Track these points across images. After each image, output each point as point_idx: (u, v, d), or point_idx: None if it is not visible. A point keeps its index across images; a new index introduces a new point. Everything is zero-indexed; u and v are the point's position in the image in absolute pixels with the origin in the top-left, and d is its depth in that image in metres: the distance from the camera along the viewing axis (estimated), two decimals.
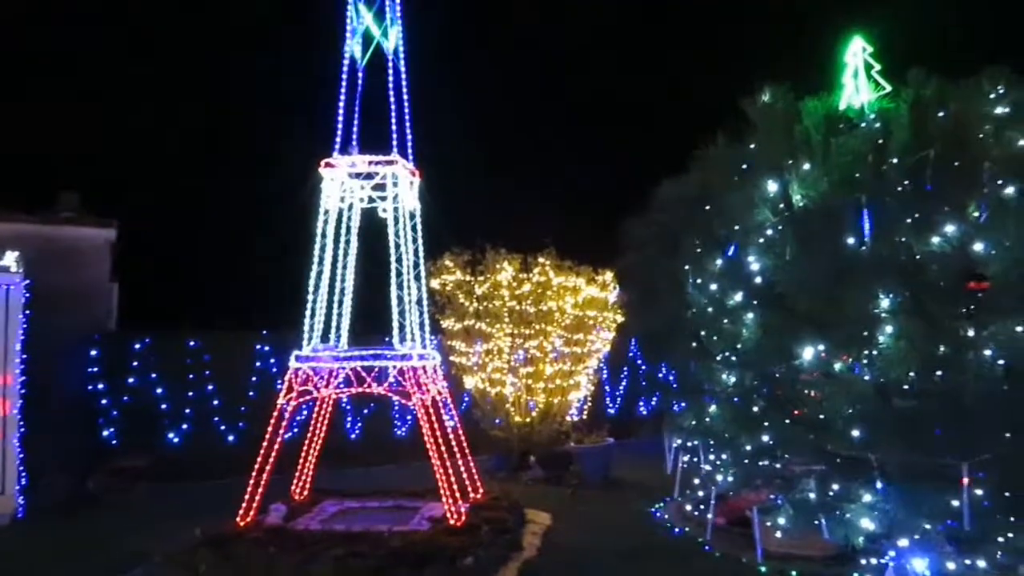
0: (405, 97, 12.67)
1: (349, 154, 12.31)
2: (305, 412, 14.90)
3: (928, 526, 6.10)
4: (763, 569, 9.63)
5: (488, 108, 28.18)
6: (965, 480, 5.73)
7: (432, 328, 17.18)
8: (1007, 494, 5.84)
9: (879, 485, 6.02)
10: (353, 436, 19.29)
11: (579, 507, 13.93)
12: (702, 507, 10.65)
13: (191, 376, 17.56)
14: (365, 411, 19.43)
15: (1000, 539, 6.00)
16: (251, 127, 25.57)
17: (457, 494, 11.64)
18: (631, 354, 23.10)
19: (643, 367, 22.53)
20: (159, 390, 17.24)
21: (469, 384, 18.14)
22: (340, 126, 12.24)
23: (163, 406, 17.22)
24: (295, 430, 15.45)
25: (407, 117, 12.69)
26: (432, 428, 11.79)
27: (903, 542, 6.23)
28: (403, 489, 13.84)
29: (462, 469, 13.15)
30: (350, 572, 9.73)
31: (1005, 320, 5.72)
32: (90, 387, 16.71)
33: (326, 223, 12.35)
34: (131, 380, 17.01)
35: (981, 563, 6.16)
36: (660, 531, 11.89)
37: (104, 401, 16.79)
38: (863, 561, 7.42)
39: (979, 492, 5.84)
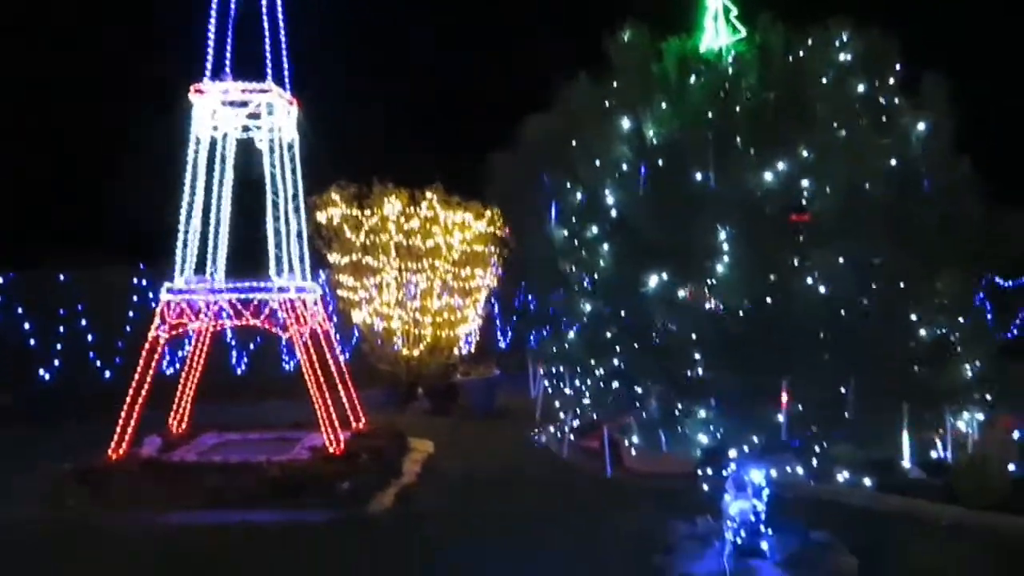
0: (281, 21, 12.25)
1: (222, 80, 11.87)
2: (188, 346, 14.60)
3: (755, 439, 6.71)
4: (628, 487, 10.33)
5: (371, 37, 27.36)
6: (784, 396, 6.31)
7: (319, 263, 17.08)
8: (821, 409, 6.48)
9: (712, 403, 6.55)
10: (239, 371, 19.09)
11: (462, 436, 14.35)
12: (575, 434, 11.20)
13: (62, 312, 16.86)
14: (251, 346, 19.21)
15: (816, 448, 6.69)
16: (121, 47, 24.02)
17: (337, 425, 11.80)
18: (522, 289, 23.57)
19: (532, 301, 23.01)
20: (26, 326, 16.49)
21: (357, 318, 18.16)
22: (211, 50, 11.74)
23: (31, 342, 16.51)
24: (176, 366, 15.18)
25: (283, 43, 12.30)
26: (311, 361, 11.84)
27: (733, 453, 6.85)
28: (286, 422, 13.87)
29: (344, 401, 13.28)
30: (225, 501, 9.82)
31: (825, 251, 6.25)
32: None
33: (197, 152, 11.95)
34: None
35: (800, 470, 6.87)
36: (536, 456, 12.47)
37: None
38: (710, 474, 8.04)
39: (799, 408, 6.46)
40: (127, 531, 9.03)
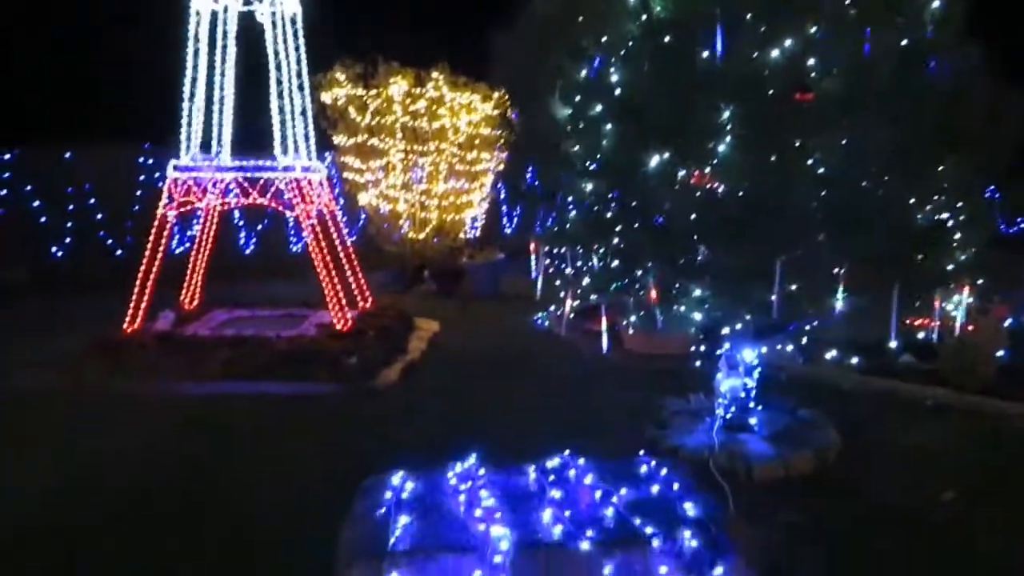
0: None
1: None
2: (196, 226, 14.75)
3: (749, 318, 6.90)
4: (625, 367, 10.67)
5: None
6: (778, 277, 6.45)
7: (325, 144, 16.96)
8: (813, 290, 6.63)
9: (708, 282, 6.70)
10: (248, 251, 19.31)
11: (467, 317, 14.67)
12: (574, 316, 11.42)
13: (69, 190, 16.94)
14: (259, 226, 19.35)
15: (807, 328, 6.89)
16: None
17: (344, 303, 12.07)
18: (529, 173, 23.41)
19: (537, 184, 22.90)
20: (35, 203, 16.62)
21: (364, 201, 18.20)
22: None
23: (41, 219, 16.68)
24: (186, 245, 15.38)
25: None
26: (318, 240, 11.98)
27: (726, 330, 7.06)
28: (295, 300, 14.18)
29: (351, 281, 13.53)
30: (237, 372, 10.22)
31: (828, 131, 6.23)
32: None
33: (198, 24, 11.71)
34: (3, 192, 16.28)
35: (790, 348, 7.09)
36: (537, 337, 12.80)
37: None
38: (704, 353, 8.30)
39: (792, 288, 6.60)
40: (145, 399, 9.46)
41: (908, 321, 8.03)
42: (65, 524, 6.26)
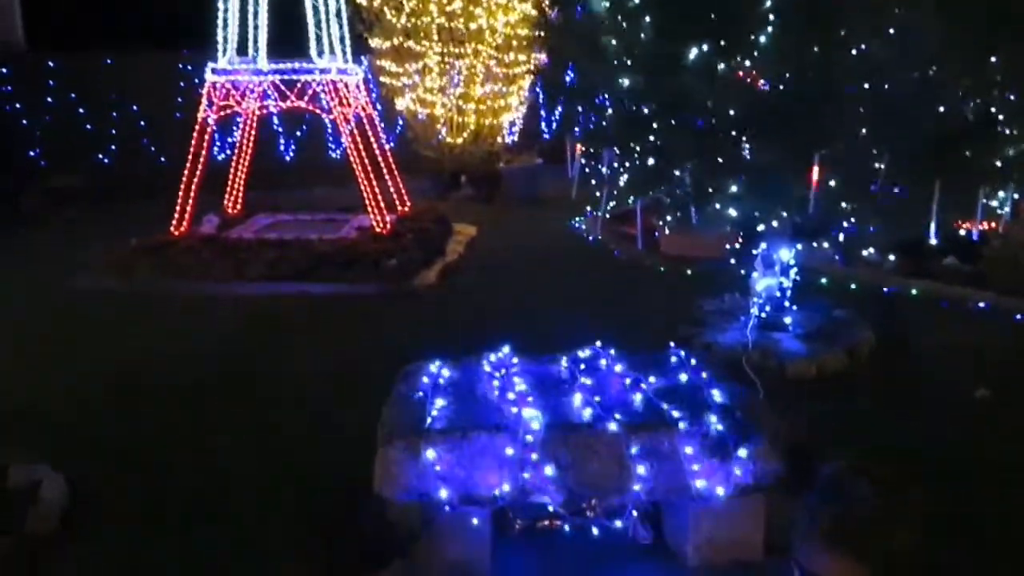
0: None
1: None
2: (236, 133, 14.87)
3: (785, 215, 6.85)
4: (661, 269, 10.71)
5: None
6: (816, 172, 6.36)
7: (361, 48, 16.75)
8: (853, 185, 6.53)
9: (744, 179, 6.63)
10: (287, 158, 19.43)
11: (504, 222, 14.73)
12: (611, 219, 11.42)
13: (113, 96, 17.11)
14: (298, 133, 19.40)
15: (845, 225, 6.82)
16: None
17: (383, 207, 12.20)
18: (569, 78, 22.93)
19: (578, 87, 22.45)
20: (80, 110, 16.85)
21: (401, 106, 18.08)
22: None
23: (87, 126, 16.95)
24: (227, 152, 15.54)
25: None
26: (356, 144, 12.03)
27: (762, 229, 7.03)
28: (334, 207, 14.35)
29: (390, 186, 13.62)
30: (281, 273, 10.51)
31: (875, 18, 6.00)
32: (7, 108, 16.24)
33: None
34: (49, 100, 16.53)
35: (826, 245, 7.05)
36: (574, 240, 12.84)
37: (24, 122, 16.42)
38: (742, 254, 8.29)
39: (831, 184, 6.51)
40: (194, 298, 9.83)
41: (952, 222, 7.86)
42: (127, 407, 6.67)
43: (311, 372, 7.36)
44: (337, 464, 5.23)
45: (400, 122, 19.06)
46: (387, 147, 14.03)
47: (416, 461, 4.29)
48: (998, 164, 6.81)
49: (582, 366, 5.18)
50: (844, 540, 4.25)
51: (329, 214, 13.71)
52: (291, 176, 18.58)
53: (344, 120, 12.00)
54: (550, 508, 4.55)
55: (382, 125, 15.62)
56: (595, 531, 4.64)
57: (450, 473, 4.31)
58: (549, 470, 4.30)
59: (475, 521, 4.39)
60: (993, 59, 6.53)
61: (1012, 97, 6.60)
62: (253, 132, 13.43)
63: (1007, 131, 6.66)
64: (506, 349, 5.38)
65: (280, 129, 19.19)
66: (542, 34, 17.46)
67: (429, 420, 4.47)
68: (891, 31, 6.09)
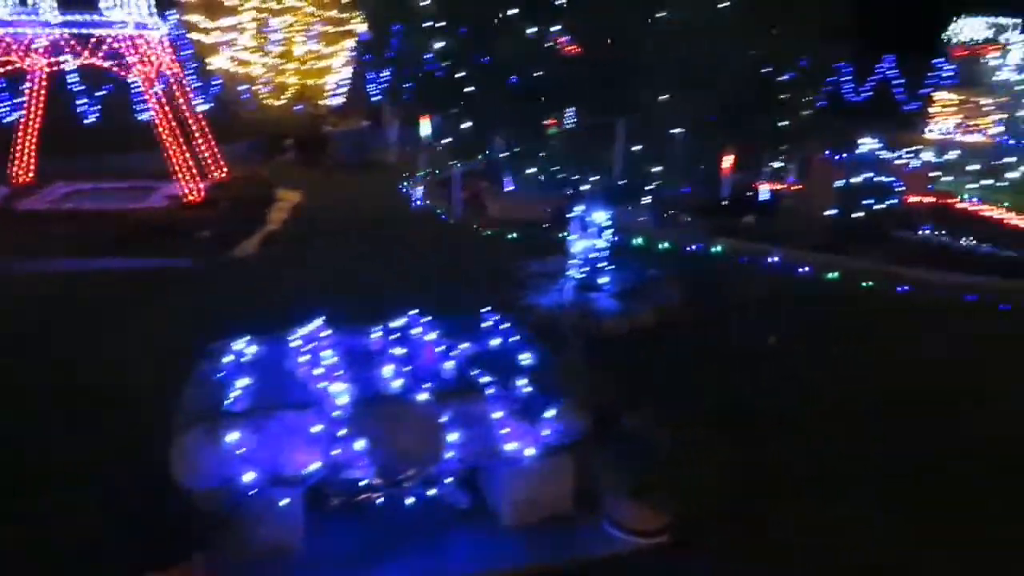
0: None
1: None
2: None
3: (596, 179, 7.06)
4: (487, 232, 10.80)
5: None
6: (621, 136, 6.59)
7: (167, 1, 15.54)
8: (655, 148, 6.83)
9: (556, 144, 6.77)
10: (88, 120, 17.80)
11: (331, 186, 14.30)
12: (439, 183, 11.37)
13: None
14: (99, 93, 17.79)
15: (648, 188, 7.14)
16: None
17: (196, 173, 11.48)
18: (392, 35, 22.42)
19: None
20: None
21: (215, 64, 17.03)
22: None
23: None
24: (16, 115, 13.98)
25: None
26: (162, 107, 11.20)
27: (572, 192, 7.23)
28: (143, 172, 13.33)
29: (204, 150, 12.82)
30: (80, 250, 9.63)
31: None
32: None
33: None
34: None
35: (637, 208, 7.36)
36: (402, 205, 12.67)
37: None
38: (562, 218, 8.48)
39: (636, 148, 6.77)
40: None
41: (747, 183, 8.43)
42: None
43: (114, 355, 6.85)
44: (140, 453, 4.89)
45: (216, 82, 17.96)
46: (202, 109, 13.17)
47: (216, 446, 4.09)
48: (783, 129, 7.33)
49: (395, 335, 5.13)
50: (644, 490, 4.53)
51: (134, 181, 12.72)
52: (94, 141, 17.00)
53: (147, 80, 11.12)
54: (365, 482, 4.53)
55: (197, 85, 14.70)
56: (411, 500, 4.66)
57: (255, 455, 4.16)
58: (360, 444, 4.25)
59: (284, 502, 4.27)
60: (778, 31, 6.96)
61: (797, 67, 7.10)
62: (43, 92, 12.17)
63: (797, 98, 7.16)
64: (318, 321, 5.23)
65: (79, 87, 17.50)
66: None
67: (230, 401, 4.28)
68: (687, 1, 6.36)
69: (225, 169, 13.30)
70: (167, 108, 11.28)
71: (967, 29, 20.55)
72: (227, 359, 4.78)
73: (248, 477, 4.12)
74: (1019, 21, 18.78)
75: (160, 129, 11.17)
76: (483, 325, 5.33)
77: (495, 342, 5.11)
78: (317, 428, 4.18)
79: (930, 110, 19.91)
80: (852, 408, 6.07)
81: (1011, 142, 16.38)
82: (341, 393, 4.32)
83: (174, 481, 4.14)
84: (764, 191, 9.27)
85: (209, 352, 4.97)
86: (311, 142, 16.69)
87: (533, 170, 6.99)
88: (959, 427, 5.85)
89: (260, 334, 5.15)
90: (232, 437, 4.08)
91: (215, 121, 13.85)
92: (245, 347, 4.95)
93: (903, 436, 5.68)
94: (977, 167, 15.18)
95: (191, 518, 4.15)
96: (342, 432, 4.22)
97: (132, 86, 16.18)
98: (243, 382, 4.46)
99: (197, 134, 12.61)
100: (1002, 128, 17.18)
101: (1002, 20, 19.43)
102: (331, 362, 4.67)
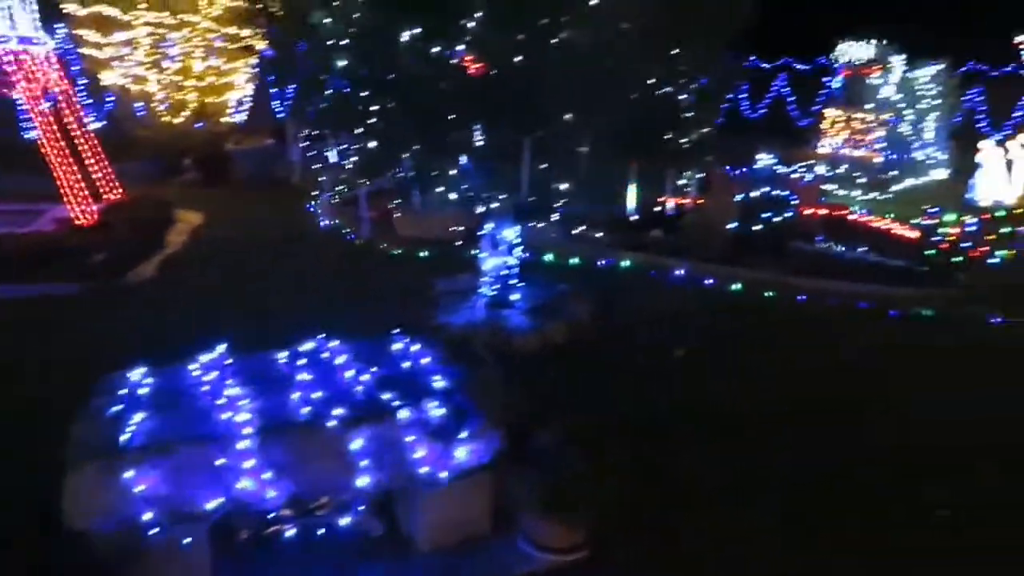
0: None
1: None
2: None
3: (505, 197, 7.10)
4: (396, 251, 10.68)
5: None
6: (528, 154, 6.66)
7: (54, 15, 14.82)
8: (561, 166, 6.93)
9: (464, 162, 6.77)
10: None
11: (234, 207, 13.87)
12: (344, 203, 11.19)
13: None
14: None
15: (556, 205, 7.23)
16: None
17: (87, 195, 10.93)
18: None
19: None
20: None
21: (108, 81, 16.32)
22: None
23: None
24: None
25: None
26: (48, 123, 10.64)
27: (481, 209, 7.25)
28: (31, 194, 12.58)
29: (96, 171, 12.23)
30: None
31: (579, 9, 6.36)
32: None
33: None
34: None
35: (541, 226, 7.43)
36: (309, 225, 12.41)
37: None
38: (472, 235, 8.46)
39: (542, 167, 6.86)
40: None
41: (651, 199, 8.64)
42: None
43: None
44: (26, 497, 4.57)
45: (110, 99, 17.20)
46: (94, 127, 12.57)
47: (112, 485, 3.87)
48: (684, 146, 7.57)
49: (303, 360, 4.99)
50: (559, 507, 4.53)
51: (21, 204, 12.01)
52: None
53: (33, 97, 10.54)
54: (275, 513, 4.37)
55: (89, 103, 14.03)
56: (323, 530, 4.52)
57: (155, 493, 3.95)
58: (267, 475, 4.10)
59: (188, 541, 4.07)
60: (678, 51, 7.20)
61: (694, 86, 7.35)
62: None
63: (690, 116, 7.41)
64: (221, 348, 5.03)
65: None
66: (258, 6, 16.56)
67: (126, 437, 4.06)
68: (589, 21, 6.49)
69: (120, 190, 12.72)
70: (55, 127, 10.71)
71: (852, 50, 21.82)
72: (122, 391, 4.54)
73: (148, 516, 3.91)
74: (893, 44, 20.08)
75: (48, 148, 10.58)
76: (394, 346, 5.24)
77: (406, 363, 5.04)
78: (221, 461, 4.01)
79: (821, 126, 21.01)
80: (759, 417, 6.24)
81: (893, 156, 17.40)
82: (246, 422, 4.16)
83: (67, 525, 3.89)
84: (670, 206, 9.50)
85: (102, 385, 4.71)
86: (212, 161, 16.18)
87: (441, 188, 6.95)
88: (863, 435, 6.09)
89: (158, 364, 4.92)
90: (129, 475, 3.87)
91: (109, 140, 13.27)
92: (141, 378, 4.72)
93: (810, 444, 5.88)
94: (864, 180, 16.05)
95: (87, 564, 3.90)
96: (248, 463, 4.06)
97: (17, 103, 15.37)
98: (140, 416, 4.24)
99: (89, 154, 12.02)
100: (885, 143, 18.24)
101: (884, 43, 20.72)
102: (235, 391, 4.49)
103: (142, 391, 4.57)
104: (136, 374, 4.75)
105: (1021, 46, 16.61)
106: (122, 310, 8.47)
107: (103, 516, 3.90)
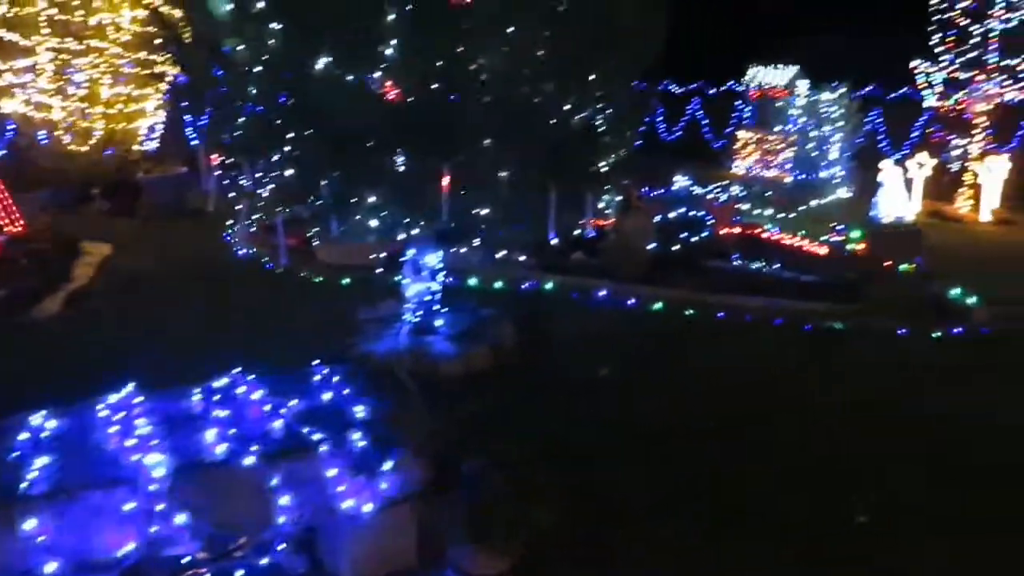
0: None
1: None
2: None
3: (425, 223, 7.07)
4: (317, 279, 10.51)
5: None
6: (447, 181, 6.66)
7: None
8: (480, 192, 6.95)
9: (382, 189, 6.72)
10: None
11: (145, 237, 13.42)
12: (263, 231, 10.97)
13: None
14: None
15: (478, 230, 7.24)
16: None
17: None
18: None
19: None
20: None
21: (8, 108, 15.62)
22: None
23: None
24: None
25: None
26: None
27: (402, 236, 7.20)
28: None
29: None
30: None
31: (487, 37, 6.42)
32: None
33: None
34: None
35: (464, 251, 7.43)
36: (225, 255, 12.10)
37: None
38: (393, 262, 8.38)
39: (462, 192, 6.86)
40: None
41: (571, 222, 8.74)
42: None
43: None
44: None
45: (10, 127, 16.44)
46: None
47: (11, 535, 3.65)
48: (602, 169, 7.71)
49: (218, 396, 4.82)
50: (483, 534, 4.48)
51: None
52: None
53: None
54: (189, 558, 4.19)
55: None
56: (240, 573, 4.35)
57: (59, 541, 3.74)
58: (181, 518, 3.94)
59: None
60: (593, 77, 7.33)
61: (609, 111, 7.50)
62: None
63: (605, 140, 7.55)
64: (130, 387, 4.83)
65: None
66: (164, 32, 16.14)
67: (26, 484, 3.84)
68: (505, 48, 6.56)
69: (21, 222, 12.13)
70: None
71: (761, 75, 22.78)
72: (22, 436, 4.30)
73: (51, 568, 3.69)
74: (798, 69, 21.10)
75: None
76: (313, 379, 5.13)
77: (327, 395, 4.94)
78: (131, 504, 3.83)
79: (734, 147, 21.77)
80: (686, 432, 6.34)
81: (801, 176, 18.13)
82: (157, 464, 3.99)
83: None
84: (590, 228, 9.64)
85: (0, 429, 4.45)
86: (122, 189, 15.61)
87: (360, 216, 6.88)
88: (786, 446, 6.24)
89: (62, 405, 4.68)
90: (30, 524, 3.66)
91: (9, 170, 12.70)
92: (44, 421, 4.48)
93: (735, 456, 6.00)
94: (775, 199, 16.64)
95: None
96: (160, 507, 3.89)
97: None
98: (42, 461, 4.02)
99: None
100: (791, 164, 19.01)
101: (791, 68, 21.72)
102: (145, 431, 4.31)
103: (44, 434, 4.33)
104: (38, 417, 4.51)
105: (916, 71, 17.59)
106: (25, 349, 8.05)
107: (3, 568, 3.68)
